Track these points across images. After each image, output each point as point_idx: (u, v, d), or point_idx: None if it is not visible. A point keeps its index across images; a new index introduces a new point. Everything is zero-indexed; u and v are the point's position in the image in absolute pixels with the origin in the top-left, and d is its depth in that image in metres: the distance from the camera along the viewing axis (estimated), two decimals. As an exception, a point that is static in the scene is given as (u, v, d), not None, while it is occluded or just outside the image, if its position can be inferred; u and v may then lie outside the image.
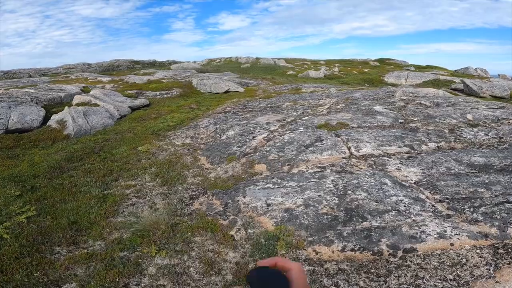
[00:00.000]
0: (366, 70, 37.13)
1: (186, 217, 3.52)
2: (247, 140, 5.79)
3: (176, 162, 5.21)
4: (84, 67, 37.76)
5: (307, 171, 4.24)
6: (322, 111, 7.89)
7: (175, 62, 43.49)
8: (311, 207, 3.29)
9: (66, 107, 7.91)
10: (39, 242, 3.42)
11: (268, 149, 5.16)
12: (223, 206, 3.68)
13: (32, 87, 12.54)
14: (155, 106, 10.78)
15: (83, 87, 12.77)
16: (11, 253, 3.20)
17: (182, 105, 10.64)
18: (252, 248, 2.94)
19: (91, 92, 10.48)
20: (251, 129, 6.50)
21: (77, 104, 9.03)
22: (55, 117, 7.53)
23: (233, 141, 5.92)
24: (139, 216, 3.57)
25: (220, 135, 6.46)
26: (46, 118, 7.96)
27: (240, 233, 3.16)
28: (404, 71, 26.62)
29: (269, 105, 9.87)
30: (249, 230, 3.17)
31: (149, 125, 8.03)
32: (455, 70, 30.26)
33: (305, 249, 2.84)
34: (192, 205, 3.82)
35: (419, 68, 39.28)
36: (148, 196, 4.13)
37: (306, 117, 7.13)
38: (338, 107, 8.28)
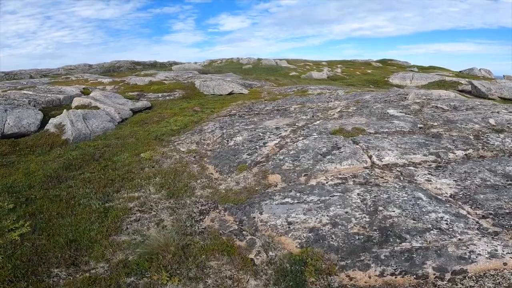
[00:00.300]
0: (369, 71, 36.86)
1: (197, 237, 3.16)
2: (257, 147, 5.44)
3: (182, 171, 4.85)
4: (85, 68, 37.65)
5: (327, 182, 3.89)
6: (333, 114, 7.54)
7: (175, 63, 43.24)
8: (340, 226, 2.94)
9: (65, 110, 7.55)
10: (35, 263, 3.07)
11: (281, 157, 4.81)
12: (237, 223, 3.32)
13: (30, 89, 12.18)
14: (157, 109, 10.43)
15: (83, 88, 12.42)
16: (4, 276, 2.84)
17: (185, 108, 10.29)
18: (276, 274, 2.59)
19: (91, 94, 10.12)
20: (261, 134, 6.14)
21: (77, 107, 8.68)
22: (53, 121, 7.17)
23: (242, 147, 5.56)
24: (145, 235, 3.21)
25: (228, 140, 6.11)
26: (44, 122, 7.60)
27: (260, 256, 2.80)
28: (408, 72, 26.32)
29: (276, 108, 9.52)
30: (270, 253, 2.81)
31: (151, 129, 7.67)
32: (460, 71, 29.98)
33: (337, 275, 2.49)
34: (203, 221, 3.46)
35: (422, 69, 39.01)
36: (154, 211, 3.77)
37: (318, 122, 6.77)
38: (350, 110, 7.93)
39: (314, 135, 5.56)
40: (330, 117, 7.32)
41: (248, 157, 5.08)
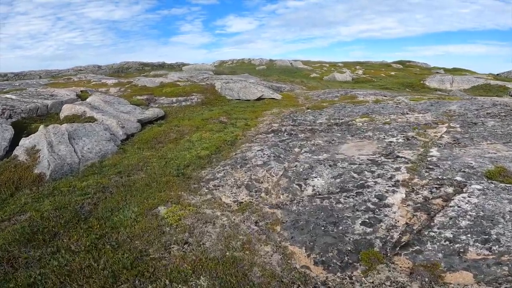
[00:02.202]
0: (392, 73, 34.27)
1: None
2: (369, 205, 2.99)
3: (248, 264, 2.44)
4: (94, 69, 36.51)
5: None
6: (440, 137, 5.05)
7: (183, 64, 41.22)
8: None
9: (41, 126, 5.20)
10: None
11: (447, 233, 2.36)
12: None
13: (17, 92, 9.95)
14: (172, 119, 8.06)
15: (81, 91, 10.14)
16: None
17: (209, 118, 7.91)
18: None
19: (88, 99, 7.82)
20: (356, 176, 3.70)
21: (66, 118, 6.35)
22: (24, 143, 4.84)
23: (338, 204, 3.12)
24: None
25: (301, 186, 3.67)
26: (16, 141, 5.27)
27: None
28: (446, 75, 23.64)
29: (333, 121, 7.07)
30: None
31: (169, 155, 5.30)
32: (498, 74, 27.19)
33: None
34: None
35: (448, 71, 36.24)
36: None
37: (433, 151, 4.29)
38: (458, 130, 5.44)
39: (474, 186, 3.07)
40: (438, 141, 4.83)
41: (367, 229, 2.64)
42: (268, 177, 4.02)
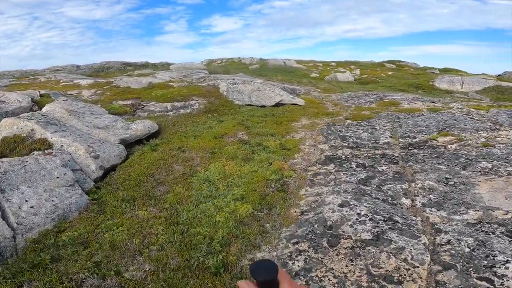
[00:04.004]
0: (389, 73, 33.24)
1: None
2: None
3: None
4: (73, 69, 33.32)
5: None
6: None
7: (168, 64, 38.42)
8: None
9: None
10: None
11: None
12: None
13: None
14: (171, 136, 5.73)
15: (40, 95, 7.53)
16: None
17: (223, 135, 5.65)
18: None
19: (44, 109, 5.33)
20: None
21: (3, 142, 3.91)
22: None
23: None
24: None
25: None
26: None
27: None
28: (455, 76, 22.47)
29: (400, 139, 5.06)
30: None
31: (183, 215, 3.07)
32: (499, 75, 26.50)
33: None
34: None
35: (444, 71, 35.70)
36: None
37: None
38: None
39: None
40: None
41: None
42: (405, 270, 1.87)
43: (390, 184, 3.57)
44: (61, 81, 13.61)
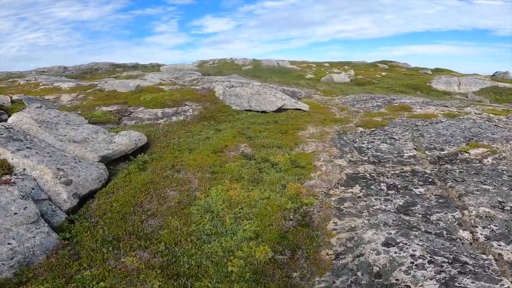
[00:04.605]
0: (383, 73, 33.20)
1: None
2: None
3: None
4: (60, 70, 32.08)
5: None
6: None
7: (159, 65, 37.36)
8: None
9: None
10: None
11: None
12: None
13: None
14: (162, 151, 4.93)
15: (12, 101, 6.61)
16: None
17: (223, 148, 4.89)
18: None
19: (10, 120, 4.46)
20: None
21: None
22: None
23: None
24: None
25: None
26: None
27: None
28: (451, 77, 22.27)
29: (426, 151, 4.43)
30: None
31: (185, 263, 2.34)
32: (493, 75, 26.53)
33: None
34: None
35: (436, 71, 35.79)
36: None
37: None
38: None
39: None
40: None
41: None
42: None
43: (438, 212, 2.91)
44: (40, 84, 12.53)
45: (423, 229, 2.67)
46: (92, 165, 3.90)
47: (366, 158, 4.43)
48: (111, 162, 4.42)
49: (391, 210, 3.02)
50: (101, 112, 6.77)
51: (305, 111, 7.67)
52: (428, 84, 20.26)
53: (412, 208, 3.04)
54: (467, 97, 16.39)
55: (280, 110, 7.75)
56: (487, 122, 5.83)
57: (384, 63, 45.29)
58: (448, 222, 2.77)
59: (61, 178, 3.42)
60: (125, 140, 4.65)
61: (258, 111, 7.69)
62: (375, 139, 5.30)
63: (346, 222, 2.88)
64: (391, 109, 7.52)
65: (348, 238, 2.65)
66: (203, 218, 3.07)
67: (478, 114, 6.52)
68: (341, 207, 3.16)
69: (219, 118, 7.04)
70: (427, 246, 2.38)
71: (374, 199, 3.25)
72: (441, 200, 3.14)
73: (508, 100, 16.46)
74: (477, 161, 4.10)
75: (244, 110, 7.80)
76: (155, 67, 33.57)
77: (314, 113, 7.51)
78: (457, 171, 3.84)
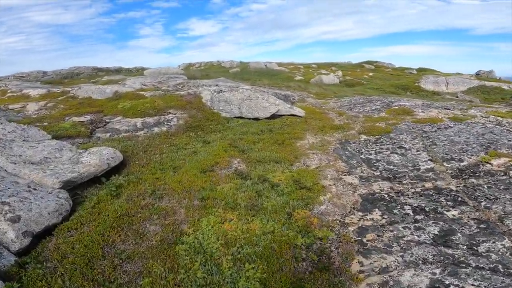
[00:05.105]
0: (370, 74, 33.45)
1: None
2: None
3: None
4: (39, 75, 30.35)
5: None
6: None
7: (143, 69, 36.17)
8: None
9: None
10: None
11: None
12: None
13: None
14: (141, 171, 4.19)
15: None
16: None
17: (213, 166, 4.21)
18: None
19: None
20: None
21: None
22: None
23: None
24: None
25: None
26: None
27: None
28: (439, 76, 22.40)
29: (444, 163, 3.93)
30: None
31: None
32: (477, 74, 26.99)
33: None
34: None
35: (420, 71, 36.32)
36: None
37: None
38: None
39: None
40: None
41: None
42: None
43: (484, 242, 2.37)
44: (8, 91, 11.41)
45: (473, 265, 2.11)
46: (50, 194, 3.13)
47: (379, 173, 3.87)
48: (78, 187, 3.66)
49: (427, 242, 2.45)
50: (70, 123, 5.93)
51: (301, 117, 7.10)
52: (417, 84, 20.25)
53: (452, 237, 2.48)
54: (456, 96, 16.39)
55: (274, 116, 7.14)
56: (497, 126, 5.43)
57: (370, 64, 45.73)
58: (500, 253, 2.23)
59: (6, 214, 2.66)
60: (94, 159, 3.89)
61: (250, 118, 7.04)
62: (382, 148, 4.77)
63: (375, 261, 2.29)
64: (391, 113, 7.06)
65: (381, 283, 2.06)
66: (193, 261, 2.39)
67: (485, 117, 6.14)
68: (364, 240, 2.56)
69: (207, 128, 6.35)
70: (485, 286, 1.83)
71: (402, 227, 2.68)
72: (482, 226, 2.60)
73: (497, 99, 16.58)
74: (503, 174, 3.62)
75: (235, 117, 7.14)
76: (139, 71, 32.31)
77: (310, 119, 6.94)
78: (485, 186, 3.33)
